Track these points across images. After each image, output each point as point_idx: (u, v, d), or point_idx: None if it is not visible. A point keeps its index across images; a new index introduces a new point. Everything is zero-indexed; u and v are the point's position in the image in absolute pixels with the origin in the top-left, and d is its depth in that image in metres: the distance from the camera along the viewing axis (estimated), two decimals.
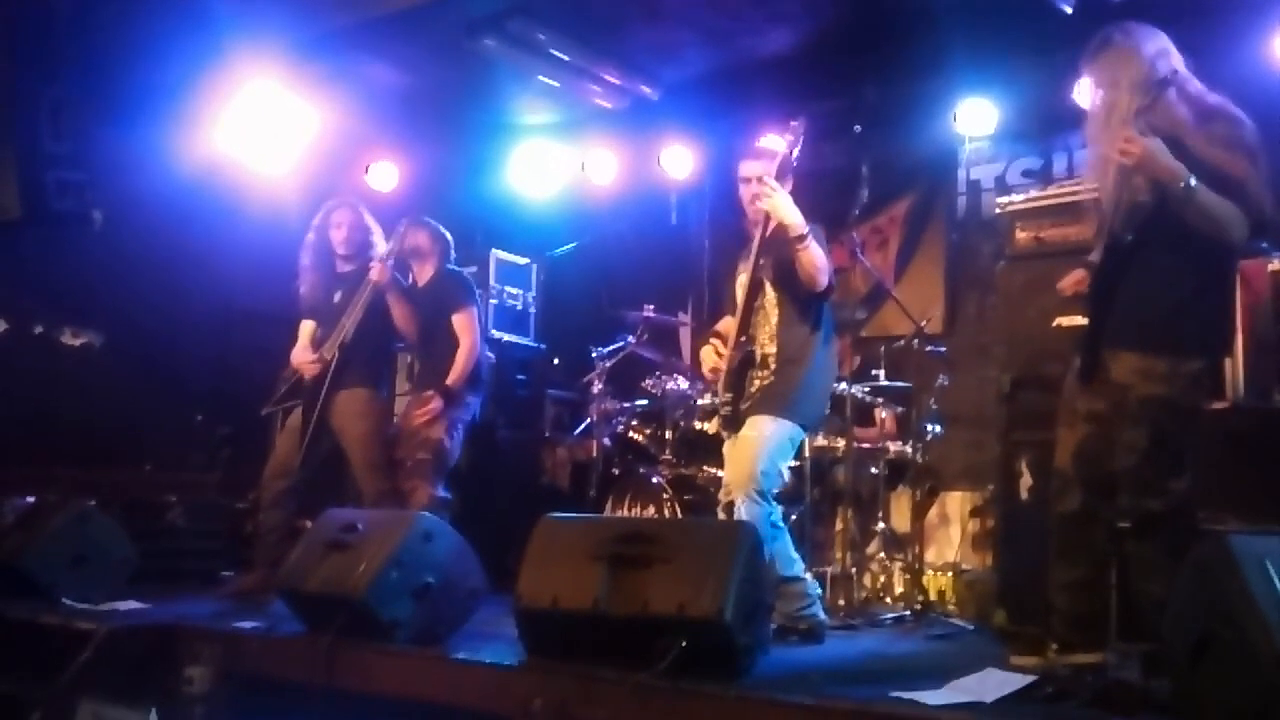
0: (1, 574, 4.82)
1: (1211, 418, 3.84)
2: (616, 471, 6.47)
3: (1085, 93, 6.04)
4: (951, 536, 6.44)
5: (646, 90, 7.39)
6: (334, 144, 7.28)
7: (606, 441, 6.63)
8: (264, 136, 6.90)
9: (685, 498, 5.87)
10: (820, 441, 5.64)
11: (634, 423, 6.55)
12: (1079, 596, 3.47)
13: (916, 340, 5.99)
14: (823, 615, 4.45)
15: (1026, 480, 4.55)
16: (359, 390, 5.49)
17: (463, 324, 5.52)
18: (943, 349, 6.16)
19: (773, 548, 4.16)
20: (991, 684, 3.21)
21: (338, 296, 5.61)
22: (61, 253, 6.53)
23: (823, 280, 4.35)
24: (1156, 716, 2.82)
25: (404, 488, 5.44)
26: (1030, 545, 4.48)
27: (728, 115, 7.41)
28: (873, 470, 5.89)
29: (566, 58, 6.89)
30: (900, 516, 6.17)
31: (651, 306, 6.77)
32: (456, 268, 5.89)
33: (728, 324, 4.68)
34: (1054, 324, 4.41)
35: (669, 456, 6.22)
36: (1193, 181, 3.22)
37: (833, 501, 5.87)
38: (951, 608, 5.53)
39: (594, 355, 6.66)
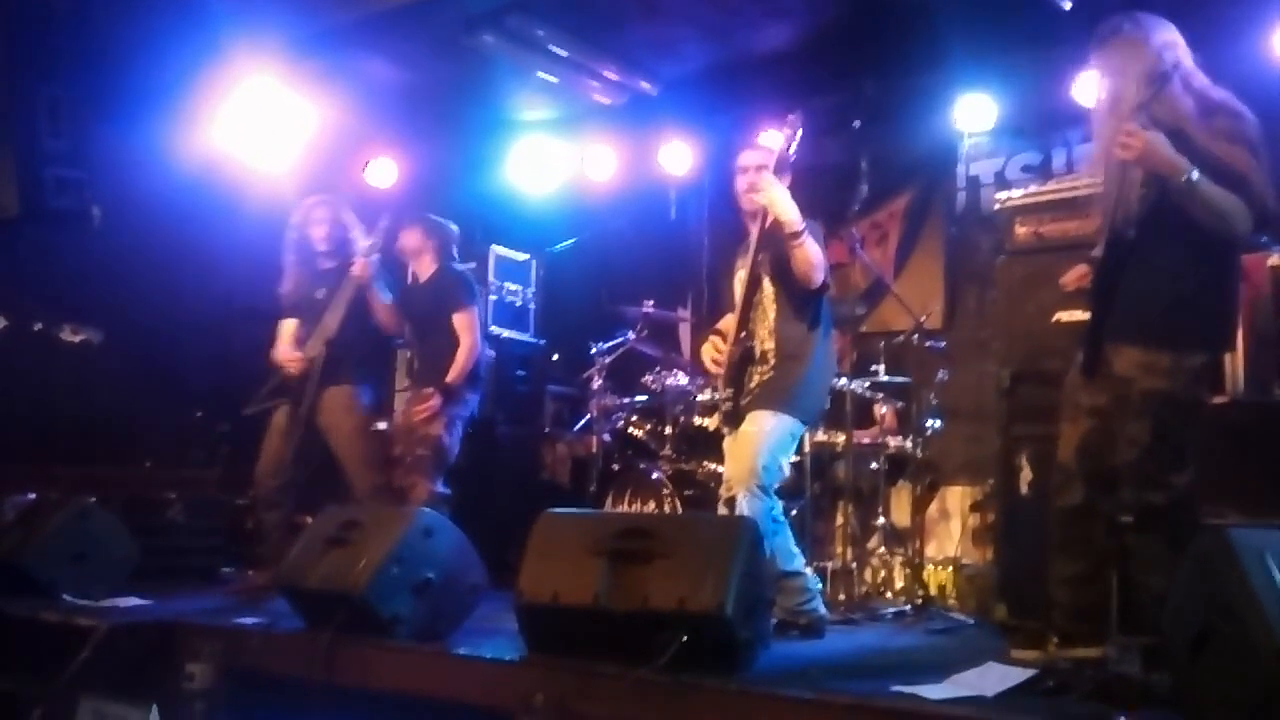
0: (2, 571, 4.83)
1: (1212, 412, 3.84)
2: (616, 467, 6.47)
3: (1086, 86, 6.11)
4: (952, 531, 6.44)
5: (645, 86, 7.38)
6: (332, 141, 7.28)
7: (606, 437, 6.63)
8: (262, 133, 6.89)
9: (685, 493, 5.87)
10: (820, 437, 5.64)
11: (634, 418, 6.55)
12: (1080, 591, 3.47)
13: (916, 335, 5.99)
14: (823, 610, 4.46)
15: (1026, 475, 4.55)
16: (345, 387, 5.49)
17: (463, 323, 5.52)
18: (942, 344, 6.16)
19: (773, 543, 4.16)
20: (992, 678, 3.22)
21: (320, 293, 5.60)
22: (60, 250, 6.53)
23: (817, 277, 4.35)
24: (1157, 710, 2.82)
25: (403, 484, 5.44)
26: (1030, 540, 4.49)
27: (727, 111, 7.41)
28: (873, 465, 5.89)
29: (565, 54, 6.88)
30: (900, 511, 6.17)
31: (651, 302, 6.77)
32: (458, 266, 5.87)
33: (729, 322, 4.69)
34: (1053, 319, 4.41)
35: (669, 452, 6.22)
36: (1195, 175, 3.22)
37: (833, 496, 5.87)
38: (952, 602, 5.54)
39: (593, 351, 6.66)
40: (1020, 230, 4.77)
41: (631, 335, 6.68)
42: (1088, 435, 3.48)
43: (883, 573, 5.84)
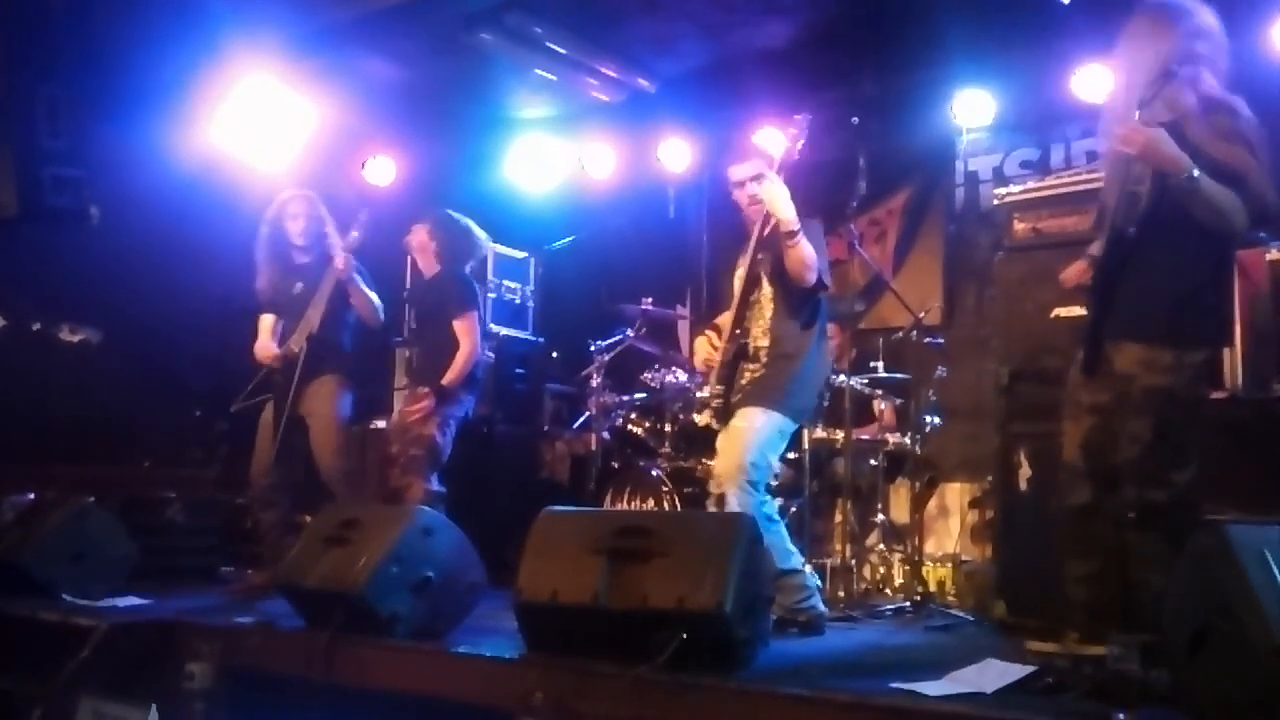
0: (1, 571, 4.82)
1: (1211, 408, 3.84)
2: (615, 465, 6.47)
3: (1085, 82, 6.11)
4: (950, 528, 6.45)
5: (644, 84, 7.38)
6: (331, 139, 7.27)
7: (605, 435, 6.63)
8: (261, 132, 6.89)
9: (684, 490, 5.87)
10: (819, 433, 5.64)
11: (633, 416, 6.55)
12: (1096, 588, 3.46)
13: (915, 332, 5.99)
14: (822, 607, 4.46)
15: (1025, 472, 4.56)
16: (327, 378, 5.48)
17: (463, 329, 5.51)
18: (941, 341, 6.16)
19: (768, 541, 4.15)
20: (991, 675, 3.21)
21: (298, 288, 5.59)
22: (58, 249, 6.53)
23: (810, 277, 4.35)
24: (1155, 708, 2.82)
25: (399, 484, 5.45)
26: (1029, 537, 4.50)
27: (725, 108, 7.40)
28: (872, 462, 5.89)
29: (563, 51, 6.88)
30: (899, 508, 6.18)
31: (650, 300, 6.77)
32: (464, 272, 5.84)
33: (726, 318, 4.69)
34: (1052, 316, 4.41)
35: (668, 449, 6.22)
36: (1196, 172, 3.22)
37: (832, 494, 5.88)
38: (951, 599, 5.55)
39: (592, 349, 6.66)
40: (1019, 226, 4.77)
41: (630, 333, 6.68)
42: (1090, 433, 3.48)
43: (882, 570, 5.84)
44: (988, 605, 4.77)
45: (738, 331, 4.52)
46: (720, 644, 3.21)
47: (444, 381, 5.40)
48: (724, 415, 4.48)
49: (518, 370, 7.24)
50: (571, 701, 3.26)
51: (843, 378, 5.57)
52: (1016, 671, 3.22)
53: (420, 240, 5.74)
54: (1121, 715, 2.72)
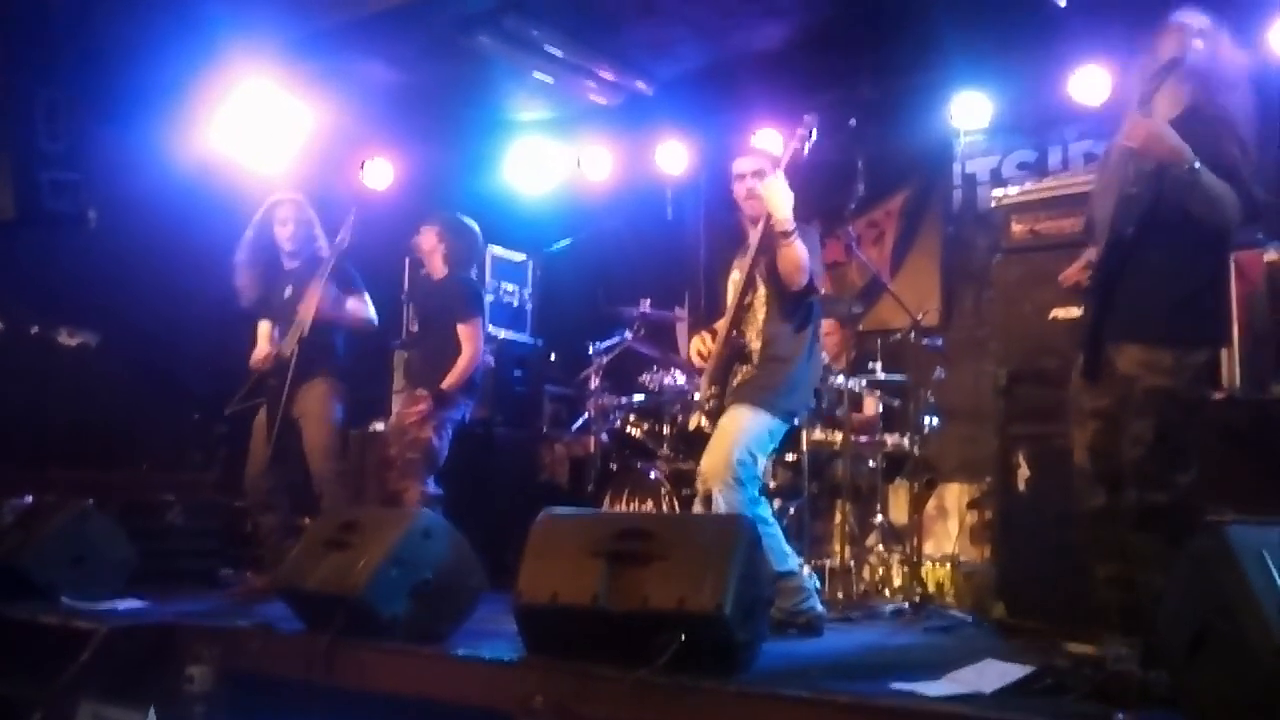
0: (1, 574, 4.82)
1: (1209, 409, 3.84)
2: (614, 467, 6.47)
3: (1082, 84, 6.12)
4: (949, 529, 6.45)
5: (641, 86, 7.39)
6: (329, 142, 7.28)
7: (604, 437, 6.63)
8: (259, 136, 6.89)
9: (683, 492, 5.87)
10: (818, 435, 5.64)
11: (631, 418, 6.56)
12: (1126, 589, 3.46)
13: (913, 334, 6.00)
14: (820, 608, 4.46)
15: (1024, 473, 4.57)
16: (318, 381, 5.47)
17: (466, 334, 5.51)
18: (939, 342, 6.17)
19: (764, 544, 4.15)
20: (990, 675, 3.22)
21: (288, 292, 5.59)
22: (57, 253, 6.53)
23: (800, 279, 4.35)
24: (1155, 709, 2.82)
25: (397, 488, 5.45)
26: (1028, 538, 4.51)
27: (723, 111, 7.42)
28: (870, 464, 5.90)
29: (561, 54, 6.89)
30: (898, 509, 6.18)
31: (648, 302, 6.77)
32: (471, 277, 5.84)
33: (723, 322, 4.69)
34: (1050, 317, 4.42)
35: (667, 451, 6.22)
36: (1197, 164, 3.24)
37: (831, 495, 5.88)
38: (950, 600, 5.54)
39: (591, 351, 6.67)
40: (1016, 228, 4.78)
41: (628, 335, 6.68)
42: (1096, 438, 3.49)
43: (881, 571, 5.84)
44: (986, 606, 4.77)
45: (733, 333, 4.52)
46: (720, 646, 3.21)
47: (444, 385, 5.41)
48: (717, 416, 4.48)
49: (516, 372, 7.25)
50: (572, 704, 3.26)
51: (841, 379, 5.58)
52: (1016, 672, 3.23)
53: (430, 243, 5.73)
54: (1121, 716, 2.72)
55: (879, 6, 6.27)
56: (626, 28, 6.74)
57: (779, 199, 4.27)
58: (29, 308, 6.11)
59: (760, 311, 4.53)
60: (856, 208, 6.88)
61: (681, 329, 7.74)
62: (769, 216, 4.32)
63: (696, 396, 5.93)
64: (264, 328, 5.69)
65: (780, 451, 4.98)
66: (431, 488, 5.40)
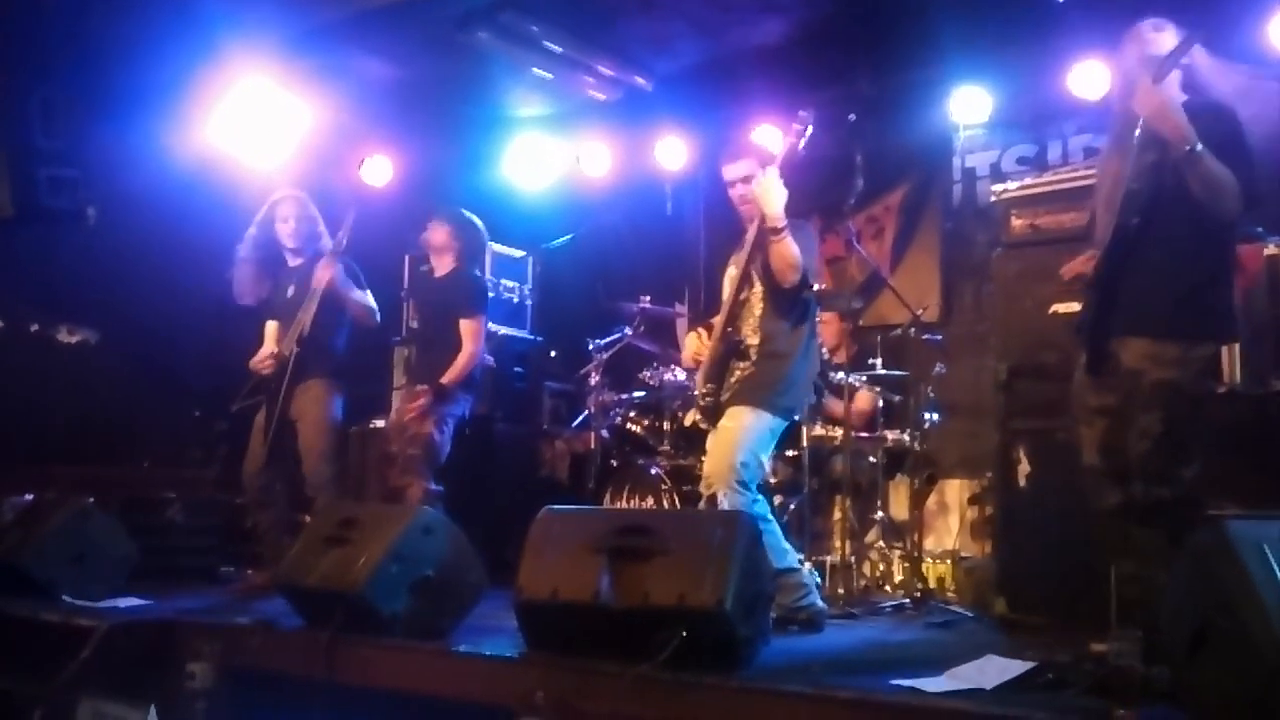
0: (1, 572, 4.82)
1: (1210, 404, 3.84)
2: (615, 463, 6.48)
3: (1081, 78, 6.11)
4: (950, 524, 6.46)
5: (640, 82, 7.37)
6: (327, 139, 7.26)
7: (604, 433, 6.64)
8: (257, 132, 6.87)
9: (684, 488, 5.88)
10: (818, 431, 5.64)
11: (632, 414, 6.56)
12: (1146, 586, 3.47)
13: (913, 329, 6.00)
14: (821, 604, 4.46)
15: (1025, 468, 4.57)
16: (316, 381, 5.47)
17: (468, 330, 5.50)
18: (939, 338, 6.17)
19: (764, 541, 4.15)
20: (991, 671, 3.22)
21: (291, 291, 5.58)
22: (55, 250, 6.52)
23: (792, 276, 4.35)
24: (1156, 704, 2.82)
25: (399, 484, 5.44)
26: (1029, 533, 4.52)
27: (722, 106, 7.40)
28: (871, 459, 5.89)
29: (560, 50, 6.87)
30: (899, 505, 6.18)
31: (648, 298, 6.77)
32: (477, 274, 5.81)
33: (719, 318, 4.69)
34: (1050, 311, 4.42)
35: (667, 447, 6.23)
36: (1199, 146, 3.24)
37: (831, 491, 5.87)
38: (950, 595, 5.55)
39: (591, 347, 6.66)
40: (1016, 223, 4.78)
41: (628, 331, 6.68)
42: (1104, 435, 3.49)
43: (881, 566, 5.85)
44: (987, 601, 4.78)
45: (729, 330, 4.52)
46: (721, 642, 3.21)
47: (444, 380, 5.40)
48: (714, 413, 4.48)
49: (516, 369, 7.24)
50: (573, 700, 3.26)
51: (841, 374, 5.58)
52: (1017, 668, 3.23)
53: (442, 239, 5.71)
54: (1122, 712, 2.72)
55: (878, 2, 6.26)
56: (625, 23, 6.73)
57: (770, 197, 4.26)
58: (28, 305, 6.11)
59: (756, 308, 4.52)
60: (856, 203, 6.86)
61: (681, 325, 7.73)
62: (765, 216, 4.32)
63: (699, 392, 5.96)
64: (270, 328, 5.69)
65: (780, 447, 4.98)
66: (432, 484, 5.40)
